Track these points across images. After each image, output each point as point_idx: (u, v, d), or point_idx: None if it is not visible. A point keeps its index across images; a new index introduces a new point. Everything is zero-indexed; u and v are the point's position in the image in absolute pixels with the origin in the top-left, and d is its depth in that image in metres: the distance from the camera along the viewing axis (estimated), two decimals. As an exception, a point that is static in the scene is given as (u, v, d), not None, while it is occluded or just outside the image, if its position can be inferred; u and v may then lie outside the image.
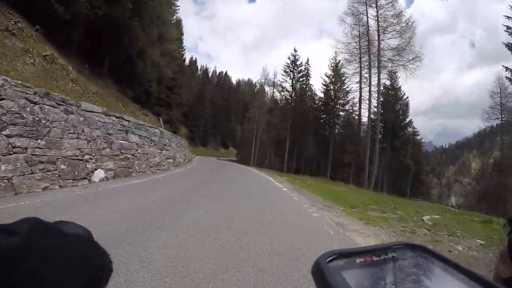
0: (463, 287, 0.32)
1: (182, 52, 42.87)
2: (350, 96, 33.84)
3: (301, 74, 36.07)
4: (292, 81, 35.50)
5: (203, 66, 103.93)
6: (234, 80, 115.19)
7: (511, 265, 0.49)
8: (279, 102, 36.96)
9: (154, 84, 25.91)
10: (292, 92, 35.45)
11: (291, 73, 35.66)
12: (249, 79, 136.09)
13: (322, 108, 35.97)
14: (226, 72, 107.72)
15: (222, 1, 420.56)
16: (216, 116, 78.10)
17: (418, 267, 0.38)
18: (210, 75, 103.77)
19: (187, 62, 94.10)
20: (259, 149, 41.50)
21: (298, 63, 36.05)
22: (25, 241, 0.23)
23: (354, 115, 33.67)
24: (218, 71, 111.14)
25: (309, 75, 37.30)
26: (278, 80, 36.11)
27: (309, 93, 38.24)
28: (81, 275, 0.26)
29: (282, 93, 35.84)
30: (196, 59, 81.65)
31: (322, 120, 36.08)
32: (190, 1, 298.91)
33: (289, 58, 36.07)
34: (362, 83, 30.14)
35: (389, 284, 0.36)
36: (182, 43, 44.12)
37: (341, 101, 34.77)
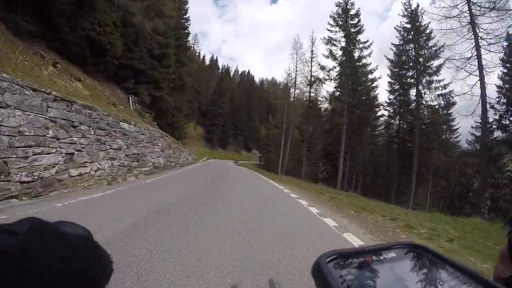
0: (463, 286, 0.31)
1: (184, 23, 32.38)
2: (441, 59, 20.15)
3: (357, 29, 23.02)
4: (346, 31, 22.44)
5: (225, 65, 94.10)
6: (257, 79, 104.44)
7: (511, 265, 0.49)
8: (326, 69, 23.67)
9: (113, 34, 14.89)
10: (344, 56, 22.35)
11: (342, 26, 22.81)
12: (272, 78, 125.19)
13: (394, 81, 22.67)
14: (248, 71, 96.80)
15: (244, 3, 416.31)
16: (237, 115, 67.20)
17: (418, 266, 0.37)
18: (232, 74, 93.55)
19: (207, 60, 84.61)
20: (289, 151, 29.17)
21: (351, 13, 23.13)
22: (25, 241, 0.23)
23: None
24: (240, 70, 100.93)
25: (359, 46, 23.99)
26: (323, 37, 23.29)
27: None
28: (80, 275, 0.25)
29: (334, 50, 22.56)
30: (217, 58, 70.30)
31: (393, 100, 22.76)
32: (212, 4, 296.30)
33: (338, 5, 23.25)
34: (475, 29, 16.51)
35: (390, 284, 0.35)
36: (186, 12, 33.81)
37: (429, 70, 21.18)
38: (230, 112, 63.92)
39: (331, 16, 22.81)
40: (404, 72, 22.13)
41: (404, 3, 22.94)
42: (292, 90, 28.65)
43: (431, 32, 21.13)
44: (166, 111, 24.94)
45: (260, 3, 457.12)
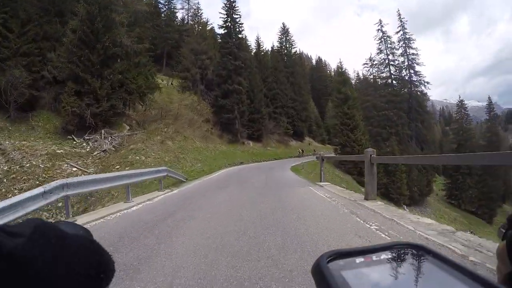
0: (463, 287, 0.31)
1: None
2: None
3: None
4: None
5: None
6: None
7: (509, 263, 0.48)
8: None
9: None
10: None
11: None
12: (302, 52, 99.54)
13: None
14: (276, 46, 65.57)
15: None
16: (270, 81, 39.69)
17: (419, 267, 0.37)
18: (253, 52, 65.44)
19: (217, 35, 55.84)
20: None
21: None
22: (28, 242, 0.23)
23: None
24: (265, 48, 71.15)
25: None
26: None
27: None
28: (82, 275, 0.25)
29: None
30: (230, 29, 39.46)
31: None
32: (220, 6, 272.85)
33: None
34: None
35: (389, 284, 0.35)
36: None
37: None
38: (260, 78, 36.53)
39: None
40: None
41: None
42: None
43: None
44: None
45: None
